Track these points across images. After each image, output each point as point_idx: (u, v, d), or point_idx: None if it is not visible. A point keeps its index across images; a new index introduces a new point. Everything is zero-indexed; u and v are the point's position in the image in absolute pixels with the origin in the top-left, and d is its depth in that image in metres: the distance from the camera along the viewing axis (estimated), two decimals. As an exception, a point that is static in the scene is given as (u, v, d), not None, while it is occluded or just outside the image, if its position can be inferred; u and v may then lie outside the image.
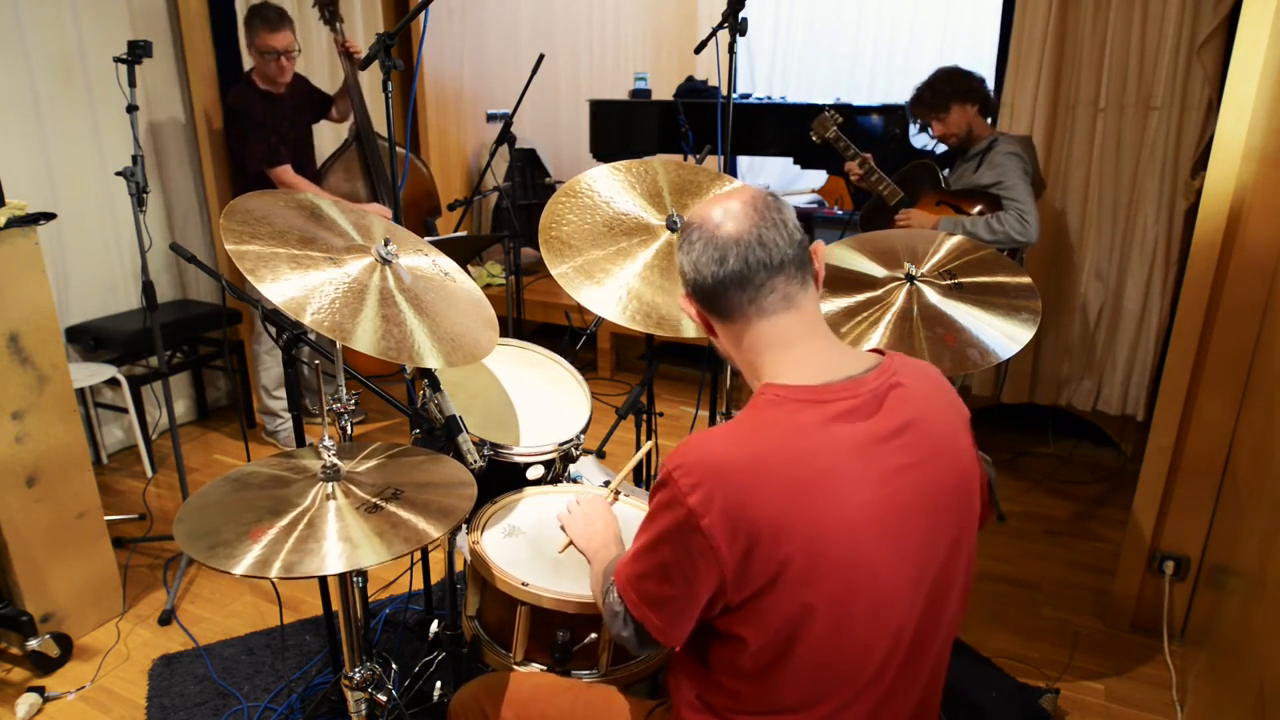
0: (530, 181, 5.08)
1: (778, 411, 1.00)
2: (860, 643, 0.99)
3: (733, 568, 0.94)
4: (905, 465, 1.00)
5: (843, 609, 0.97)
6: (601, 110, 4.77)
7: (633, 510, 1.65)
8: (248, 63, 3.42)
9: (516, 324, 3.29)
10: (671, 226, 1.80)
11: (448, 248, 1.74)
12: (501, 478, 1.72)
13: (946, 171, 2.88)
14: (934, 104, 2.78)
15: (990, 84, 2.82)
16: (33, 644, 2.11)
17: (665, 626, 1.04)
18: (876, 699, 1.03)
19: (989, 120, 2.81)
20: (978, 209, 2.66)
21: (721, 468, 0.96)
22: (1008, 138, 2.70)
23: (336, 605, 1.39)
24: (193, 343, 3.49)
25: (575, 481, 1.82)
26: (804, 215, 5.43)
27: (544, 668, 1.41)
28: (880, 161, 2.83)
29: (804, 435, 0.98)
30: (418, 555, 2.34)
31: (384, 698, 1.41)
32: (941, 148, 2.92)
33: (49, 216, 2.10)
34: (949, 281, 1.76)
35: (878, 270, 1.81)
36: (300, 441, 1.79)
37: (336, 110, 3.33)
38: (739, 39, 2.30)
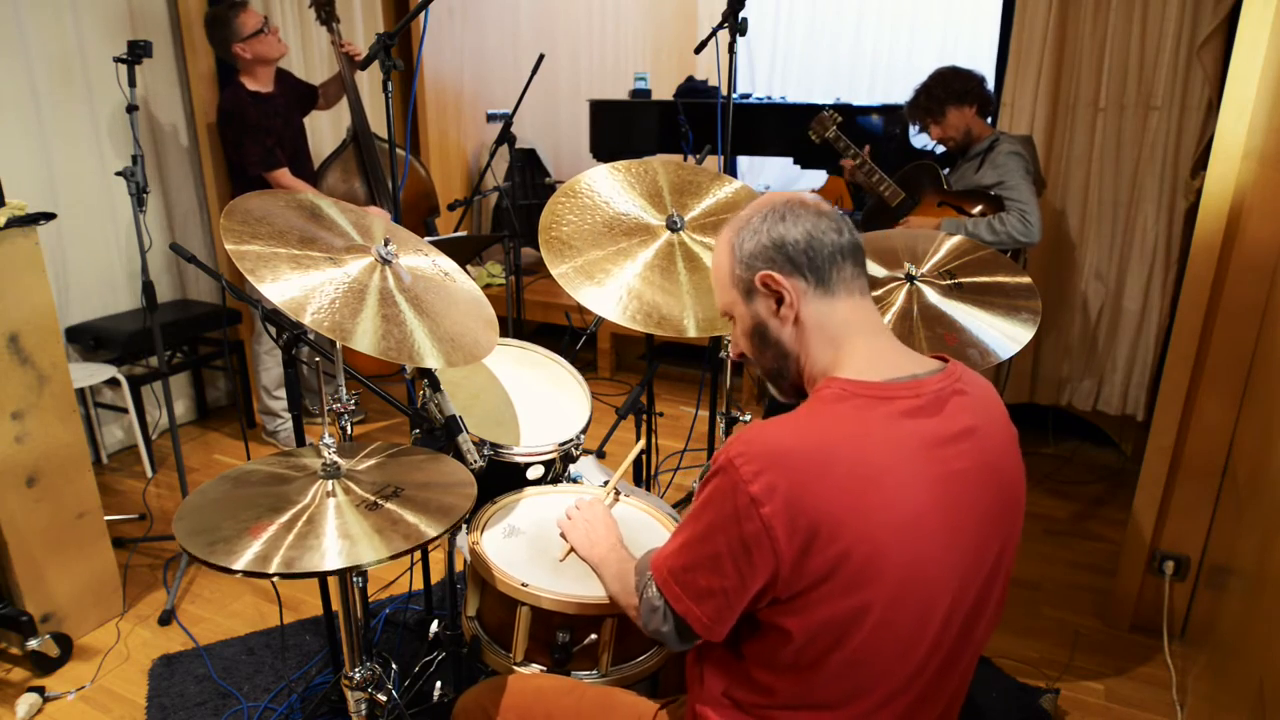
0: (530, 181, 5.08)
1: (844, 406, 0.99)
2: (902, 644, 0.98)
3: (789, 561, 0.93)
4: (962, 470, 0.99)
5: (892, 609, 0.96)
6: (601, 110, 4.77)
7: (633, 510, 1.65)
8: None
9: (516, 324, 3.29)
10: (671, 226, 1.80)
11: (448, 248, 1.74)
12: (501, 478, 1.72)
13: (947, 171, 2.88)
14: (929, 108, 2.78)
15: (990, 84, 2.82)
16: (33, 644, 2.11)
17: (710, 621, 1.02)
18: (908, 702, 1.02)
19: (988, 120, 2.81)
20: (979, 209, 2.66)
21: (787, 456, 0.94)
22: (1009, 137, 2.70)
23: (336, 605, 1.39)
24: (193, 343, 3.49)
25: (575, 481, 1.82)
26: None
27: (544, 668, 1.41)
28: (881, 162, 2.83)
29: (868, 431, 0.97)
30: (417, 555, 2.34)
31: (384, 698, 1.41)
32: (942, 148, 2.92)
33: (49, 216, 2.10)
34: (949, 281, 1.76)
35: (878, 270, 1.81)
36: (300, 441, 1.79)
37: (324, 98, 3.32)
38: (739, 39, 2.30)
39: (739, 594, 0.98)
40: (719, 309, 1.18)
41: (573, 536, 1.50)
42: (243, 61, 2.99)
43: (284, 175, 3.03)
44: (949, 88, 2.73)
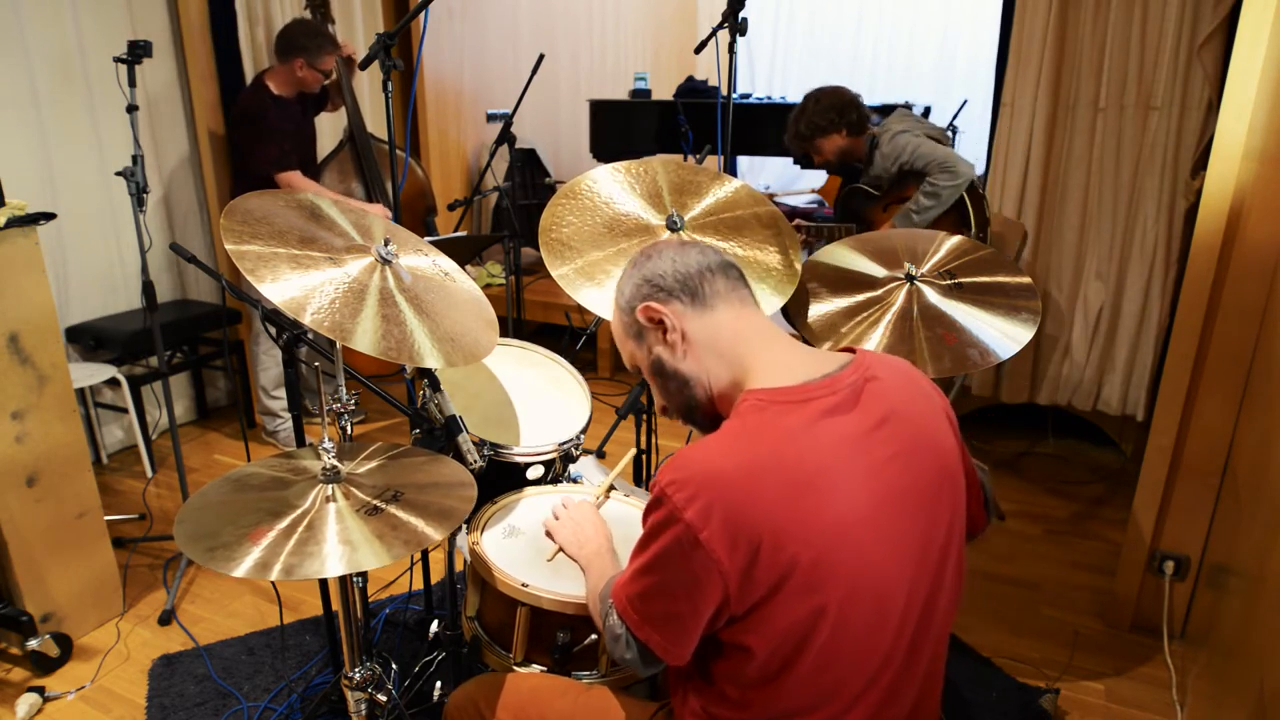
0: (530, 181, 5.08)
1: (764, 416, 1.00)
2: (864, 641, 0.99)
3: (736, 579, 0.94)
4: (891, 456, 1.01)
5: (847, 609, 0.97)
6: (601, 110, 4.77)
7: (629, 509, 1.65)
8: (248, 62, 3.43)
9: (516, 324, 3.29)
10: (672, 226, 1.80)
11: (448, 248, 1.74)
12: (501, 478, 1.72)
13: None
14: (802, 143, 2.88)
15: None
16: (33, 644, 2.11)
17: (669, 645, 1.03)
18: (879, 697, 1.03)
19: (861, 135, 2.86)
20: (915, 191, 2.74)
21: (717, 477, 0.95)
22: (882, 128, 2.81)
23: (336, 605, 1.39)
24: (193, 343, 3.49)
25: (575, 481, 1.82)
26: (804, 215, 5.43)
27: (544, 669, 1.41)
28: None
29: (793, 437, 0.98)
30: (417, 556, 2.34)
31: (384, 698, 1.41)
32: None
33: (49, 216, 2.10)
34: (949, 281, 1.76)
35: (878, 270, 1.81)
36: (300, 442, 1.79)
37: (331, 103, 3.37)
38: (739, 39, 2.30)
39: (693, 618, 0.99)
40: (631, 369, 1.24)
41: (560, 536, 1.50)
42: (283, 70, 3.03)
43: (295, 177, 3.06)
44: (811, 122, 2.82)
